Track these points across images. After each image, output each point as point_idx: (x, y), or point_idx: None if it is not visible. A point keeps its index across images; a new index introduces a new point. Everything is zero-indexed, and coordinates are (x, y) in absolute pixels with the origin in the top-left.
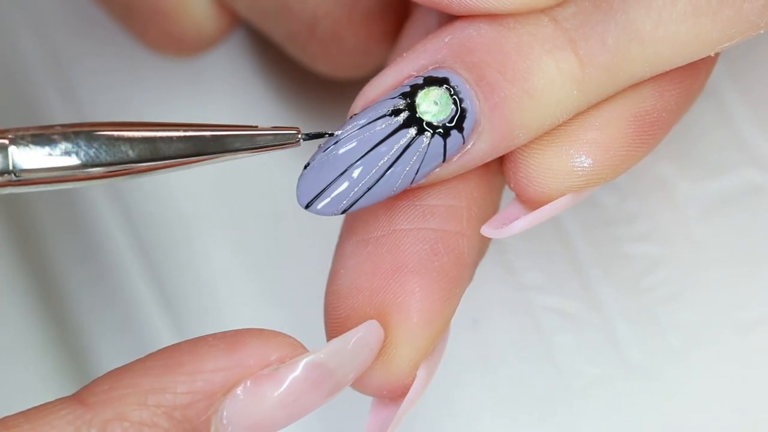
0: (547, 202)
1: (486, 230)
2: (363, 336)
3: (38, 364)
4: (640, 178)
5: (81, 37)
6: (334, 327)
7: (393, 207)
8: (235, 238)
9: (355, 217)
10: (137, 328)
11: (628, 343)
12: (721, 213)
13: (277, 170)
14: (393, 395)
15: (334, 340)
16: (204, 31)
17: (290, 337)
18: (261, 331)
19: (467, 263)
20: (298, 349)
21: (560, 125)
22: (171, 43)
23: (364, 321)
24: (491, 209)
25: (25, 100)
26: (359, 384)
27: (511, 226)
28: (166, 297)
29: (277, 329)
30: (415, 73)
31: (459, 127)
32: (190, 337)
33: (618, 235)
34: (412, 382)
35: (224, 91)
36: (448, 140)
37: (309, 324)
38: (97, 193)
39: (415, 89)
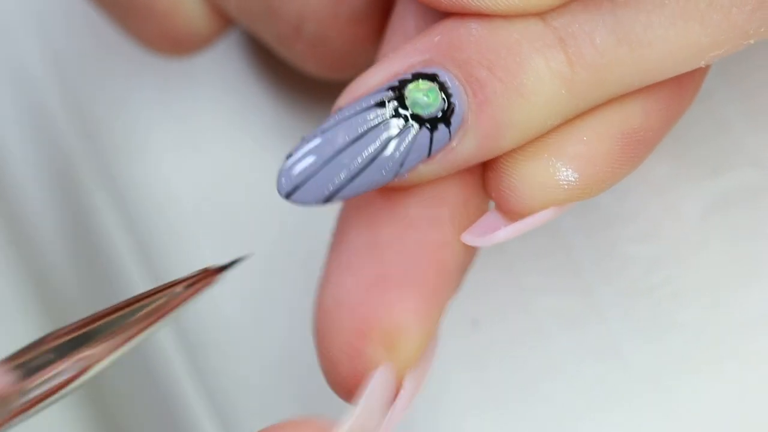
0: (528, 214)
1: (467, 238)
2: (375, 390)
3: None
4: (640, 178)
5: (81, 38)
6: (318, 339)
7: (375, 219)
8: (236, 239)
9: (339, 230)
10: None
11: (628, 344)
12: (721, 213)
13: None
14: None
15: (356, 407)
16: (198, 30)
17: (314, 421)
18: (283, 427)
19: (451, 271)
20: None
21: (546, 136)
22: (166, 42)
23: (346, 334)
24: (476, 215)
25: (26, 100)
26: (346, 394)
27: (493, 236)
28: None
29: (276, 332)
30: (402, 71)
31: (446, 121)
32: (190, 338)
33: (618, 235)
34: (398, 392)
35: (222, 91)
36: (435, 134)
37: (309, 325)
38: (97, 193)
39: (403, 83)
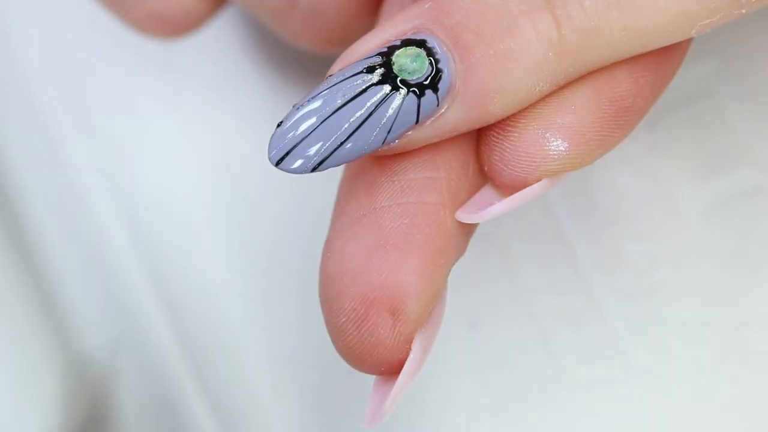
0: (521, 187)
1: (461, 215)
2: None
3: (34, 368)
4: (640, 178)
5: (81, 37)
6: (326, 309)
7: (373, 185)
8: (237, 237)
9: (340, 200)
10: (136, 328)
11: (628, 344)
12: (721, 213)
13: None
14: (390, 371)
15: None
16: (190, 10)
17: None
18: None
19: (451, 233)
20: None
21: (534, 106)
22: (157, 23)
23: (351, 301)
24: (473, 178)
25: (25, 99)
26: (356, 361)
27: (487, 211)
28: (166, 298)
29: (278, 330)
30: (393, 39)
31: (434, 87)
32: (190, 338)
33: (618, 235)
34: (407, 355)
35: (225, 81)
36: (423, 100)
37: (310, 325)
38: (97, 191)
39: (392, 50)
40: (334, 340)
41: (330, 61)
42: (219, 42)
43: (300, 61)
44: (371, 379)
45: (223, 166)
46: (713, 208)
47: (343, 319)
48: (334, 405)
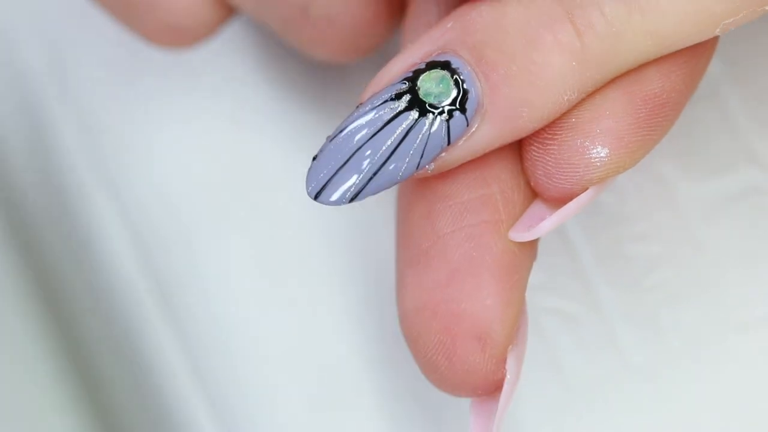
0: (569, 198)
1: (514, 234)
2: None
3: (36, 366)
4: (640, 178)
5: (81, 37)
6: (412, 346)
7: (431, 213)
8: (235, 238)
9: (401, 232)
10: (135, 327)
11: (629, 344)
12: (722, 213)
13: (279, 168)
14: (488, 392)
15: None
16: (200, 19)
17: None
18: None
19: (516, 247)
20: None
21: (570, 116)
22: (167, 33)
23: (436, 335)
24: (525, 188)
25: (25, 100)
26: (452, 390)
27: (538, 227)
28: (165, 297)
29: (278, 331)
30: (419, 61)
31: (462, 108)
32: (190, 338)
33: (618, 235)
34: (503, 375)
35: (227, 84)
36: (452, 122)
37: (309, 325)
38: (98, 192)
39: (417, 74)
40: (426, 373)
41: (341, 69)
42: (227, 49)
43: (309, 69)
44: (371, 378)
45: (224, 169)
46: (713, 208)
47: (432, 354)
48: (334, 404)
